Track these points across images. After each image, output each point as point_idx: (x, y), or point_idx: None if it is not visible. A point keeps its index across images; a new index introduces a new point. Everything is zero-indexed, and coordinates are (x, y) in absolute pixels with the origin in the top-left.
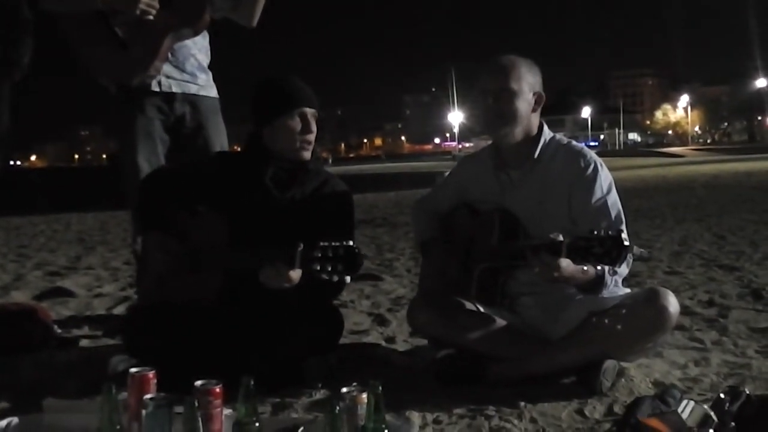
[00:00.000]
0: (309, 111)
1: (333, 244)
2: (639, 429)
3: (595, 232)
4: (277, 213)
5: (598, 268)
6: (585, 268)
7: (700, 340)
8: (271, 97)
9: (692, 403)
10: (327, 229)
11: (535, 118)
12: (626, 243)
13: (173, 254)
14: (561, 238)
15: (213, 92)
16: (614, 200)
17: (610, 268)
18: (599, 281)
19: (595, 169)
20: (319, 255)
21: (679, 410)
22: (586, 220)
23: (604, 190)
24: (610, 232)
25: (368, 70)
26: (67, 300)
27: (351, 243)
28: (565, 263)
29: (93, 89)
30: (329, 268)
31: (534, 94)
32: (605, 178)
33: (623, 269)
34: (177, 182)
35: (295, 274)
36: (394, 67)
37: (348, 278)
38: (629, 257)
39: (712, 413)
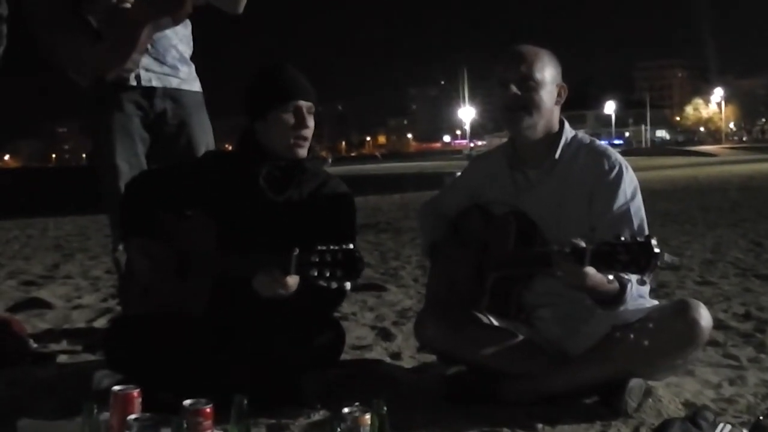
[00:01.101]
0: (304, 104)
1: (331, 247)
2: None
3: (622, 238)
4: (272, 216)
5: (625, 277)
6: (610, 277)
7: (735, 357)
8: (263, 90)
9: (729, 426)
10: (326, 233)
11: (557, 113)
12: (656, 250)
13: (159, 262)
14: (584, 244)
15: (196, 86)
16: (638, 207)
17: (639, 277)
18: (620, 296)
19: (620, 172)
20: (317, 260)
21: None
22: (605, 227)
23: (628, 196)
24: (638, 238)
25: (371, 61)
26: (43, 312)
27: (351, 246)
28: (591, 272)
29: (71, 83)
30: (327, 274)
31: (557, 86)
32: (630, 182)
33: (643, 287)
34: (164, 185)
35: (292, 281)
36: (400, 57)
37: (348, 285)
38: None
39: None
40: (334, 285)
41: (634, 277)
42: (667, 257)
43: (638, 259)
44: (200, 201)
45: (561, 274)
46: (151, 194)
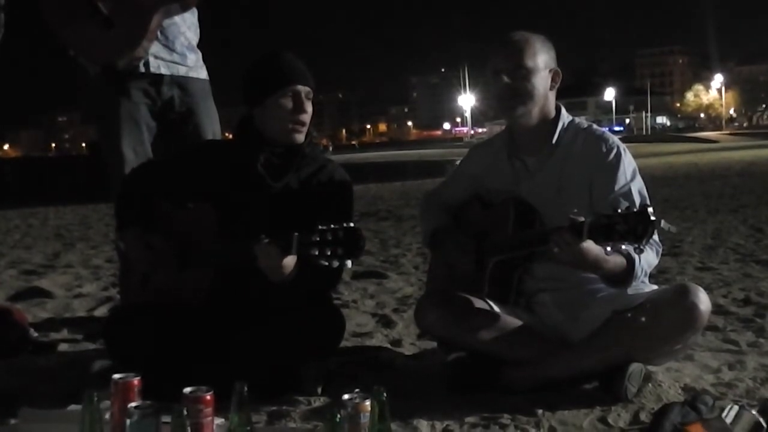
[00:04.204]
0: (302, 89)
1: (332, 226)
2: None
3: (619, 210)
4: (272, 202)
5: (632, 253)
6: (608, 248)
7: (734, 342)
8: (261, 76)
9: (736, 407)
10: (324, 217)
11: (552, 98)
12: (653, 218)
13: (156, 252)
14: (581, 218)
15: (203, 74)
16: (639, 187)
17: (637, 246)
18: (629, 271)
19: (618, 154)
20: (318, 239)
21: (723, 415)
22: (607, 209)
23: (628, 177)
24: (634, 208)
25: (372, 49)
26: (44, 301)
27: (351, 224)
28: (588, 244)
29: (72, 71)
30: (329, 253)
31: (550, 71)
32: (629, 163)
33: (652, 259)
34: (163, 175)
35: (289, 261)
36: (400, 45)
37: (349, 263)
38: (659, 249)
39: (761, 419)
40: (336, 264)
41: (632, 249)
42: (663, 225)
43: (635, 227)
44: (200, 190)
45: (559, 251)
46: (149, 185)
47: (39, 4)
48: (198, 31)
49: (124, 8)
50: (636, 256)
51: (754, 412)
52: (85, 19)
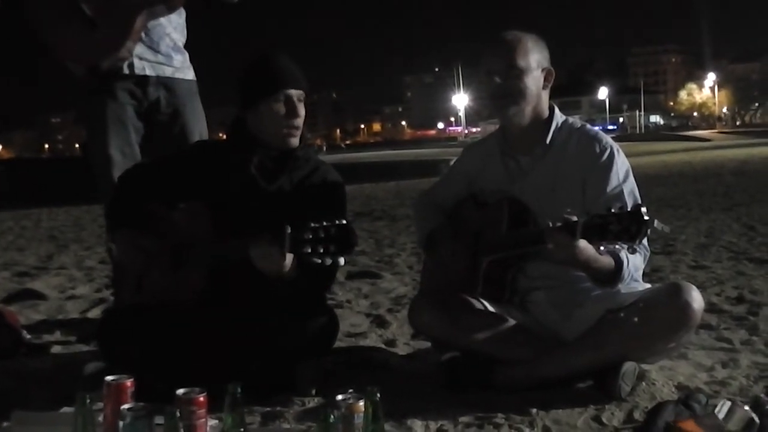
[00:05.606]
0: (295, 93)
1: (324, 223)
2: None
3: (612, 210)
4: (265, 204)
5: (619, 251)
6: (602, 248)
7: (728, 340)
8: (254, 80)
9: (729, 403)
10: (317, 219)
11: (545, 97)
12: (646, 217)
13: (149, 254)
14: (575, 218)
15: (190, 74)
16: (631, 188)
17: (631, 245)
18: (617, 272)
19: (611, 155)
20: (310, 236)
21: (716, 411)
22: (599, 210)
23: (621, 178)
24: (628, 208)
25: (365, 49)
26: (37, 303)
27: (344, 221)
28: (582, 244)
29: (65, 72)
30: (321, 250)
31: (543, 70)
32: (622, 164)
33: (639, 263)
34: (155, 177)
35: (288, 259)
36: (394, 45)
37: (342, 260)
38: (646, 254)
39: (754, 415)
40: (328, 261)
41: (625, 252)
42: (657, 224)
43: (629, 227)
44: (193, 191)
45: (552, 247)
46: (142, 187)
47: (24, 5)
48: (185, 31)
49: (107, 9)
50: (625, 259)
51: (746, 408)
52: (68, 19)
